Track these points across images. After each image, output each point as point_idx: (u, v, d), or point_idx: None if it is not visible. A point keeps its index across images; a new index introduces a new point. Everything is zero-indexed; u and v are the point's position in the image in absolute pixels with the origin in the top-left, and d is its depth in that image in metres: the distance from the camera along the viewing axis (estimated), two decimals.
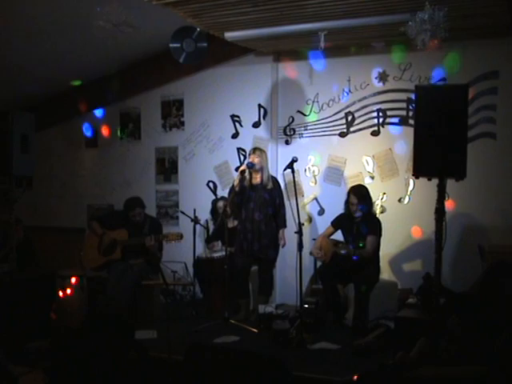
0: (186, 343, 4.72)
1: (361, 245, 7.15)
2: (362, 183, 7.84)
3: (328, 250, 7.42)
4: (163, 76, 9.39)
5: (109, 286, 7.47)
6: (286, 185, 8.32)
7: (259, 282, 7.74)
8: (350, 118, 8.29)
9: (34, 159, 7.23)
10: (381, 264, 7.45)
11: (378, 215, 7.83)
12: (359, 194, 7.35)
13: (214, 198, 9.04)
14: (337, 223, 7.60)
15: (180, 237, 7.59)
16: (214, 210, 8.61)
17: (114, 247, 7.66)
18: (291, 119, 8.64)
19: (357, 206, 7.27)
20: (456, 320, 4.24)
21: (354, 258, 7.06)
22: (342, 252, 7.09)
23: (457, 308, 4.36)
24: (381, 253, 7.39)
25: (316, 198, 8.53)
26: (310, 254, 7.74)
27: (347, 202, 7.42)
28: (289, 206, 7.49)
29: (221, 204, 8.27)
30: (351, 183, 7.95)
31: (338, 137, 8.38)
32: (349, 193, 7.44)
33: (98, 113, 10.16)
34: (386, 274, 7.84)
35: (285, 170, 7.10)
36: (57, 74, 9.22)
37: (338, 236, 7.62)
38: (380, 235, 7.32)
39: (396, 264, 7.94)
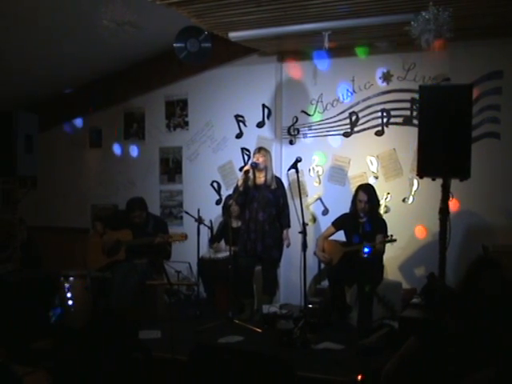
0: (190, 343, 4.73)
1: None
2: (368, 183, 7.84)
3: (334, 252, 7.42)
4: (167, 76, 9.40)
5: (113, 286, 7.47)
6: (289, 185, 8.31)
7: (263, 282, 7.74)
8: (354, 117, 8.28)
9: (37, 159, 7.24)
10: (385, 264, 7.44)
11: (382, 215, 7.84)
12: (368, 191, 7.37)
13: (218, 197, 9.07)
14: (339, 223, 7.60)
15: (185, 237, 7.59)
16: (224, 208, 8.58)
17: (118, 248, 7.66)
18: (295, 119, 8.64)
19: (365, 203, 7.27)
20: (449, 319, 4.28)
21: (367, 248, 7.07)
22: (365, 250, 7.11)
23: (449, 307, 4.39)
24: (385, 253, 7.39)
25: (320, 198, 8.53)
26: (314, 254, 7.74)
27: (354, 200, 7.41)
28: (293, 205, 7.48)
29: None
30: (355, 183, 7.94)
31: (342, 137, 8.38)
32: (357, 190, 7.44)
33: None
34: (390, 273, 7.84)
35: (289, 169, 7.10)
36: (60, 74, 9.23)
37: (339, 236, 7.63)
38: (386, 235, 7.32)
39: (400, 264, 7.94)
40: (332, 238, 7.65)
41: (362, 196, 7.31)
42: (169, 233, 7.85)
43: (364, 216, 7.37)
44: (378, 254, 7.20)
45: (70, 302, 7.15)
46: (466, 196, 7.38)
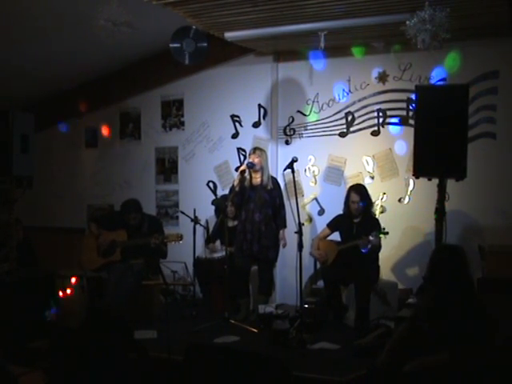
0: (186, 343, 4.73)
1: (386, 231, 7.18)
2: (361, 183, 7.85)
3: (329, 251, 7.42)
4: (163, 76, 9.40)
5: (109, 286, 7.46)
6: (285, 185, 8.32)
7: (259, 282, 7.73)
8: (349, 117, 8.28)
9: (34, 159, 7.23)
10: (381, 264, 7.44)
11: (378, 215, 7.85)
12: (360, 191, 7.37)
13: (214, 197, 9.07)
14: (334, 225, 7.60)
15: (180, 238, 7.57)
16: (217, 210, 8.58)
17: (113, 248, 7.63)
18: (291, 119, 8.64)
19: (358, 204, 7.28)
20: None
21: (364, 250, 7.10)
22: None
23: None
24: (381, 253, 7.39)
25: (316, 198, 8.53)
26: (311, 254, 7.74)
27: (347, 202, 7.42)
28: (289, 206, 7.47)
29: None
30: (351, 183, 7.92)
31: (338, 137, 8.37)
32: (349, 191, 7.45)
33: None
34: (386, 274, 7.83)
35: (285, 170, 7.09)
36: (57, 73, 9.22)
37: (334, 237, 7.63)
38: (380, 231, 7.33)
39: (396, 264, 7.94)
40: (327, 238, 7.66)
41: (354, 197, 7.33)
42: (164, 232, 7.84)
43: (358, 216, 7.38)
44: (375, 249, 7.20)
45: (66, 302, 7.16)
46: (462, 196, 7.38)
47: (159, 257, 7.80)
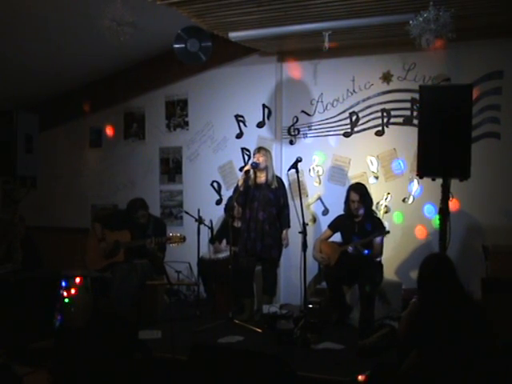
0: (190, 343, 4.73)
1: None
2: (361, 182, 7.81)
3: (331, 252, 7.41)
4: (167, 76, 9.40)
5: (113, 287, 7.46)
6: (290, 185, 8.29)
7: (263, 282, 7.73)
8: (354, 117, 8.28)
9: (38, 159, 7.22)
10: (385, 264, 7.44)
11: (382, 215, 7.85)
12: (360, 190, 7.35)
13: (218, 197, 9.08)
14: (335, 225, 7.59)
15: (183, 239, 7.57)
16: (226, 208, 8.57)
17: (116, 249, 7.62)
18: (295, 119, 8.64)
19: (358, 203, 7.27)
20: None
21: (366, 252, 7.10)
22: (351, 248, 7.15)
23: None
24: (385, 253, 7.38)
25: (320, 198, 8.53)
26: (314, 258, 7.72)
27: (347, 201, 7.40)
28: (293, 205, 7.46)
29: None
30: None
31: (342, 137, 8.37)
32: (348, 191, 7.43)
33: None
34: (390, 273, 7.82)
35: (289, 169, 7.07)
36: (61, 73, 9.23)
37: (336, 238, 7.63)
38: (383, 232, 7.31)
39: (400, 264, 7.93)
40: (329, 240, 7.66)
41: (354, 196, 7.30)
42: (166, 235, 7.80)
43: (359, 216, 7.36)
44: (376, 256, 7.23)
45: (71, 303, 7.16)
46: (466, 196, 7.37)
47: (155, 262, 7.75)
